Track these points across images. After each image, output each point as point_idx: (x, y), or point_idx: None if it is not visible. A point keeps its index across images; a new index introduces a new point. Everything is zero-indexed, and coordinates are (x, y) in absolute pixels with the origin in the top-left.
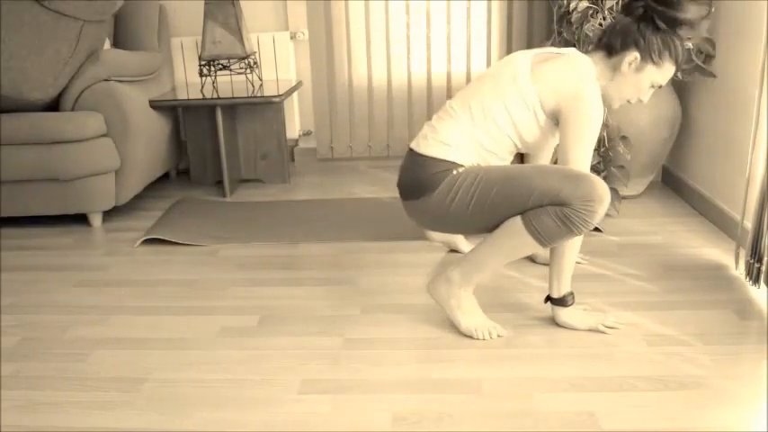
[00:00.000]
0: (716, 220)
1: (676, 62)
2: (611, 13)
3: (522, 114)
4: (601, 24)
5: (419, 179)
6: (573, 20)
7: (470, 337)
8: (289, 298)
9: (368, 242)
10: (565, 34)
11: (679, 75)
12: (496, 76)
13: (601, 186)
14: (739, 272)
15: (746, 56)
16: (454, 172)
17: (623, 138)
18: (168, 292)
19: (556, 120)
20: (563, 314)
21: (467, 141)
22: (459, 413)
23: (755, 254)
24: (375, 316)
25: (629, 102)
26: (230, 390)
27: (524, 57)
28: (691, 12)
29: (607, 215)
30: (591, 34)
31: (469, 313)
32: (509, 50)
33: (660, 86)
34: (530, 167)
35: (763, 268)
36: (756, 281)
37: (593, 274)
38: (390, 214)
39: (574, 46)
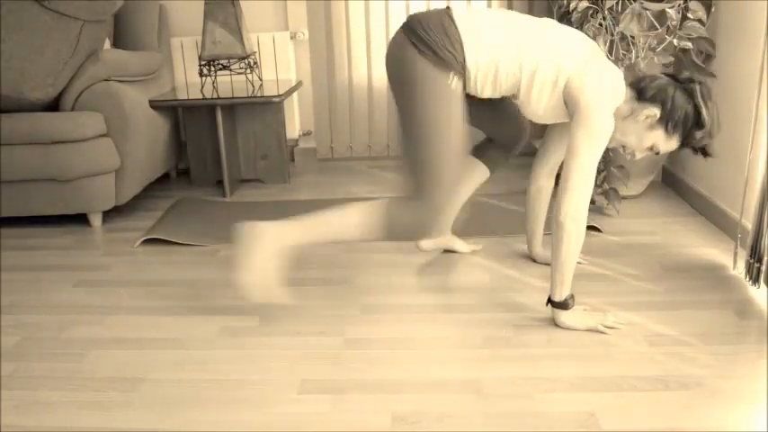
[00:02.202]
0: (715, 220)
1: (682, 143)
2: (611, 13)
3: (546, 79)
4: (601, 24)
5: (424, 40)
6: (573, 20)
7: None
8: (289, 298)
9: (368, 242)
10: None
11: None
12: (557, 41)
13: (428, 219)
14: (737, 271)
15: (746, 56)
16: (449, 79)
17: None
18: (168, 292)
19: (564, 105)
20: (563, 316)
21: (493, 48)
22: (460, 413)
23: (755, 254)
24: (375, 316)
25: (623, 147)
26: (230, 390)
27: (588, 44)
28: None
29: (607, 215)
30: (591, 34)
31: None
32: None
33: (657, 153)
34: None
35: (763, 268)
36: (756, 281)
37: (593, 274)
38: None
39: None
